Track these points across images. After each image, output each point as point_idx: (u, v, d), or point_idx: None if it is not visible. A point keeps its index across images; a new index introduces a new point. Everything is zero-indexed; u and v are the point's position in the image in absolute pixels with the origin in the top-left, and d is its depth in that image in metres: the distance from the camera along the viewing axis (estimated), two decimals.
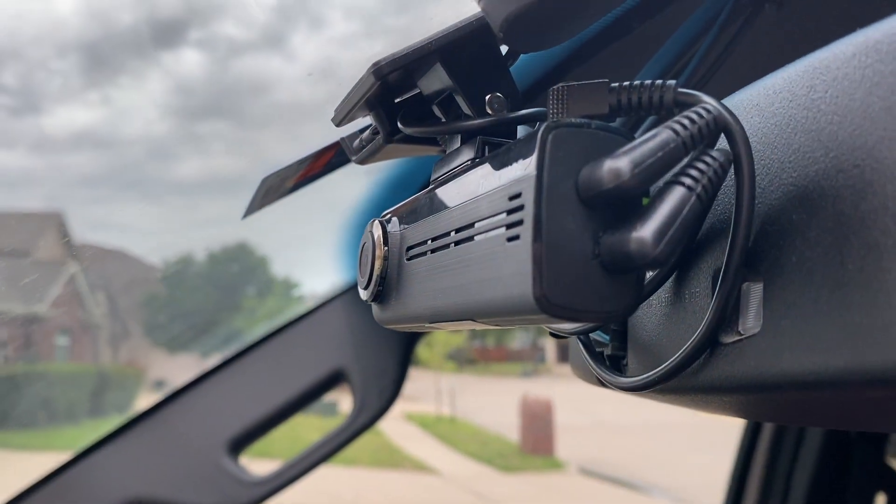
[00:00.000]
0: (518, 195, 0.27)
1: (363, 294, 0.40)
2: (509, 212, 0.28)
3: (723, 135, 0.28)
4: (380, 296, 0.39)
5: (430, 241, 0.35)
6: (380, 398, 1.04)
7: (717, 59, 0.40)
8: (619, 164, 0.26)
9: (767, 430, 1.58)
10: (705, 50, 0.40)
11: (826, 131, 0.27)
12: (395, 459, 11.36)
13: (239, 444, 1.02)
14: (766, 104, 0.30)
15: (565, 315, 0.27)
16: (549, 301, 0.26)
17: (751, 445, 1.59)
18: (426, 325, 0.36)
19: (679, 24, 0.43)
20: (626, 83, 0.30)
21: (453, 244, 0.32)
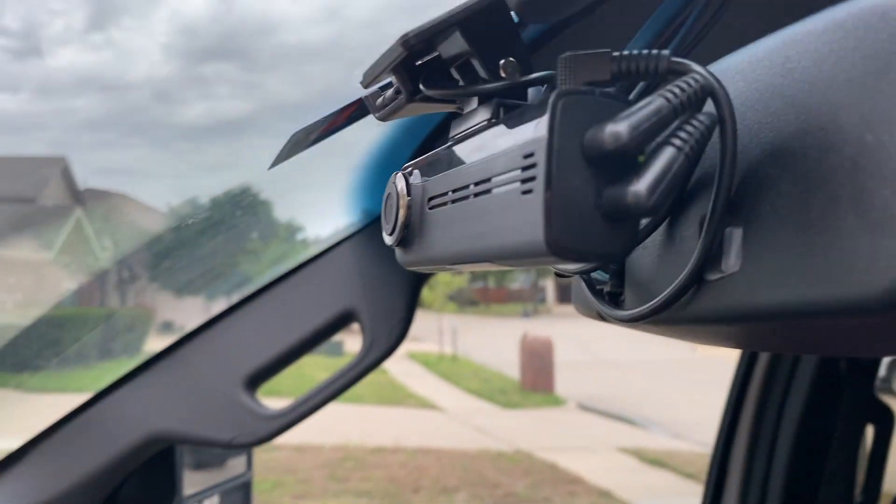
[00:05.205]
0: (531, 154, 0.32)
1: (388, 240, 0.45)
2: (523, 168, 0.32)
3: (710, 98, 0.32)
4: (403, 241, 0.44)
5: (450, 193, 0.39)
6: (388, 337, 1.06)
7: (708, 22, 0.44)
8: (619, 128, 0.30)
9: (761, 365, 1.63)
10: (698, 13, 0.43)
11: (798, 97, 0.31)
12: (399, 397, 11.63)
13: (255, 381, 1.04)
14: (750, 70, 0.34)
15: (572, 257, 0.31)
16: (559, 245, 0.31)
17: (744, 380, 1.65)
18: (447, 267, 0.41)
19: None
20: (626, 52, 0.34)
21: (473, 196, 0.37)
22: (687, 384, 11.46)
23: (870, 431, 1.55)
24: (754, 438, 1.62)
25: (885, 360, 1.68)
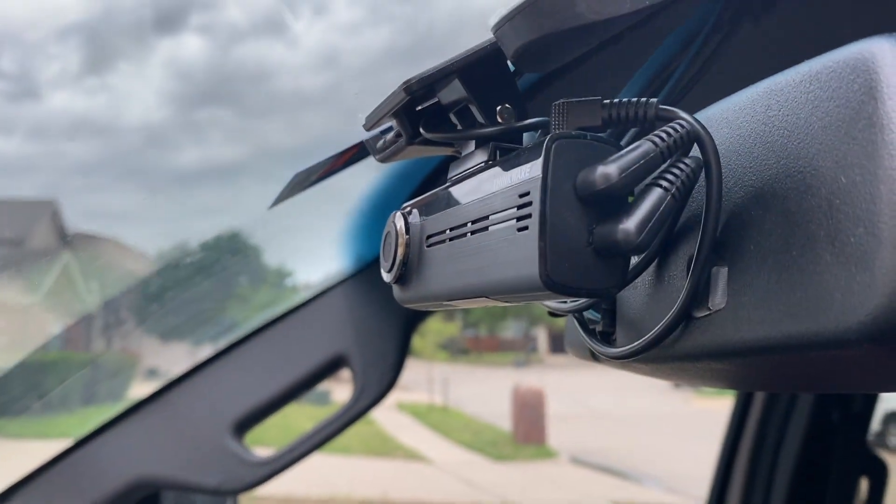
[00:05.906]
0: (527, 193, 0.33)
1: (387, 277, 0.46)
2: (519, 207, 0.34)
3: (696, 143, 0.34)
4: (402, 278, 0.45)
5: (448, 231, 0.40)
6: (379, 383, 1.06)
7: (697, 73, 0.46)
8: (609, 169, 0.32)
9: (753, 418, 1.63)
10: (687, 64, 0.46)
11: (779, 143, 0.33)
12: (387, 448, 11.44)
13: (243, 426, 1.04)
14: (734, 118, 0.36)
15: (565, 292, 0.33)
16: (553, 280, 0.32)
17: (737, 433, 1.65)
18: (444, 303, 0.42)
19: (661, 36, 0.49)
20: (616, 100, 0.36)
21: (470, 233, 0.38)
22: (680, 437, 11.35)
23: (864, 485, 1.54)
24: (747, 491, 1.61)
25: (878, 414, 1.68)
